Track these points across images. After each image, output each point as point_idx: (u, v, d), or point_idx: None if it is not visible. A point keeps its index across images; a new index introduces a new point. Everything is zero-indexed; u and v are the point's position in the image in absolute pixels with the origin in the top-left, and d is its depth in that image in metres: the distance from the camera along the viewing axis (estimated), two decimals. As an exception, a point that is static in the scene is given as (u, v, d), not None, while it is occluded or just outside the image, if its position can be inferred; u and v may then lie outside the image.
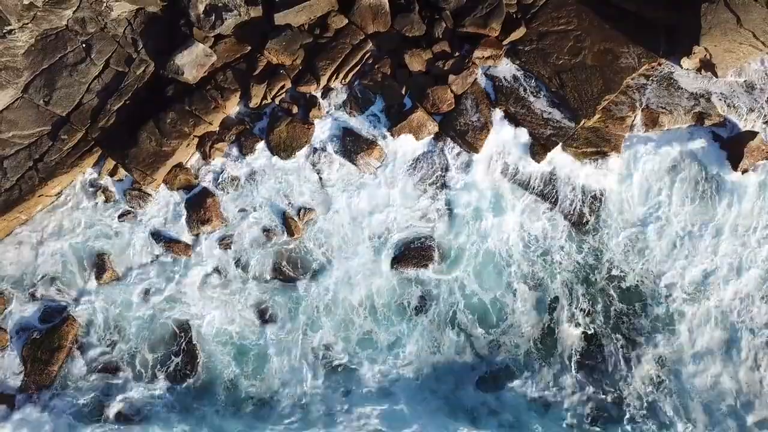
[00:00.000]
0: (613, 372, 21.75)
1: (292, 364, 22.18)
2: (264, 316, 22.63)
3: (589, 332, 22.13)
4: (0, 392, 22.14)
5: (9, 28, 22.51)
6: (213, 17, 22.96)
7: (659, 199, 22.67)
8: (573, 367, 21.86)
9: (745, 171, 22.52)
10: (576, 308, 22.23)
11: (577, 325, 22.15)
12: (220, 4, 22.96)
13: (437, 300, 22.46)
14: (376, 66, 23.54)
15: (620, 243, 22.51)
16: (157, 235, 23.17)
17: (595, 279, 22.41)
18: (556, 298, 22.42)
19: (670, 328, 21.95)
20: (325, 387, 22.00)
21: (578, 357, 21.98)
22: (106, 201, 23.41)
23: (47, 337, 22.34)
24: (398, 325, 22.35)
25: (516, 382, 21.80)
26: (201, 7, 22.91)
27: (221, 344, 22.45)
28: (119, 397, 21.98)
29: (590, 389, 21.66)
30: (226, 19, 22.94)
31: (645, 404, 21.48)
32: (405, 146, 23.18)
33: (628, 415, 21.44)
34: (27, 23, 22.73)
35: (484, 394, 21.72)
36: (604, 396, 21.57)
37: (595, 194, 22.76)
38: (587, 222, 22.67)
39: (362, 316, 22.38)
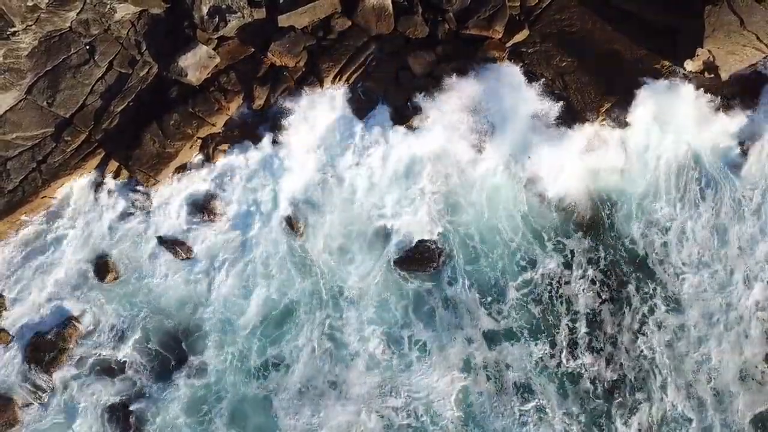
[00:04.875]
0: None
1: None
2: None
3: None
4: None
5: (13, 29, 22.50)
6: (216, 19, 22.98)
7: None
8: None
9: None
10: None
11: None
12: (223, 6, 22.99)
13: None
14: (380, 68, 23.58)
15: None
16: (159, 237, 23.13)
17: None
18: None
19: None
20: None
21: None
22: (109, 202, 23.34)
23: (51, 338, 22.36)
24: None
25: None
26: (204, 9, 22.95)
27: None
28: None
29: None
30: (229, 20, 22.96)
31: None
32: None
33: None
34: (31, 25, 22.73)
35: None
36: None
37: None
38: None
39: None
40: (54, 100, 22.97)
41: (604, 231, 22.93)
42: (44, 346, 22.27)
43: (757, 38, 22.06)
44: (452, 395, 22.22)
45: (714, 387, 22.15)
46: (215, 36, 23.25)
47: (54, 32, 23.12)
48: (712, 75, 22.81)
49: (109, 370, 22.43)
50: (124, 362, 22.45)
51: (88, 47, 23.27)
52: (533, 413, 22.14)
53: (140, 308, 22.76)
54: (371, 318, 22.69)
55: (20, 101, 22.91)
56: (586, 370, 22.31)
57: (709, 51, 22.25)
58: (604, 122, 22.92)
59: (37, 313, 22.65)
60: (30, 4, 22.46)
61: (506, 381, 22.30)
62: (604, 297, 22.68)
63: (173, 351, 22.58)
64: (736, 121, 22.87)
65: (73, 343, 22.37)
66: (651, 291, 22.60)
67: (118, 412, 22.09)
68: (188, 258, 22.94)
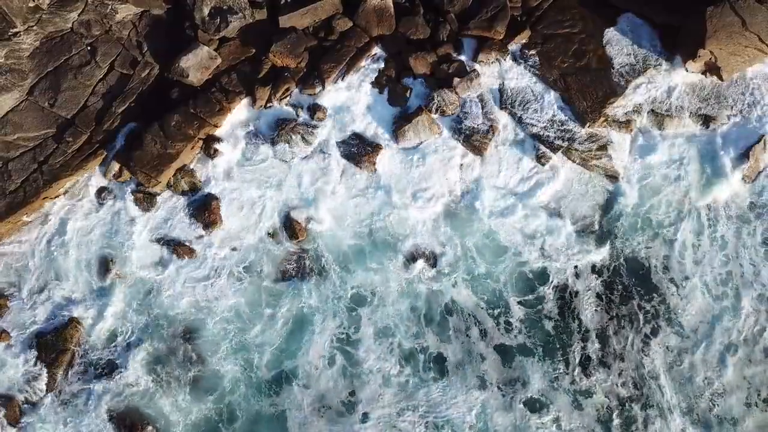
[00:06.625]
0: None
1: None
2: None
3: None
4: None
5: (14, 30, 22.57)
6: (218, 20, 22.99)
7: None
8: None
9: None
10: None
11: None
12: (225, 7, 23.00)
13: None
14: (381, 69, 23.57)
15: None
16: (160, 238, 23.15)
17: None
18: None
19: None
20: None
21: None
22: (110, 203, 23.35)
23: (51, 339, 22.41)
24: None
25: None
26: (206, 10, 22.96)
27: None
28: None
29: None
30: (231, 21, 22.97)
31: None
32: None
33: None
34: (32, 26, 22.79)
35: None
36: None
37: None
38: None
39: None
40: (55, 101, 23.01)
41: (610, 242, 22.77)
42: (46, 347, 22.33)
43: (759, 39, 22.01)
44: (473, 411, 22.04)
45: (718, 412, 21.77)
46: (216, 37, 23.25)
47: (55, 33, 23.16)
48: (714, 76, 22.80)
49: (110, 371, 22.43)
50: (125, 364, 22.45)
51: (89, 48, 23.31)
52: (550, 425, 21.96)
53: (141, 310, 22.79)
54: (385, 328, 22.59)
55: (22, 102, 22.96)
56: (599, 385, 22.13)
57: (710, 52, 22.20)
58: (605, 124, 22.90)
59: (38, 313, 22.68)
60: (31, 4, 22.54)
61: (522, 394, 22.17)
62: (612, 313, 22.48)
63: (177, 354, 22.57)
64: (738, 126, 22.85)
65: (75, 344, 22.41)
66: (655, 309, 22.36)
67: (119, 415, 22.13)
68: (191, 260, 22.95)
